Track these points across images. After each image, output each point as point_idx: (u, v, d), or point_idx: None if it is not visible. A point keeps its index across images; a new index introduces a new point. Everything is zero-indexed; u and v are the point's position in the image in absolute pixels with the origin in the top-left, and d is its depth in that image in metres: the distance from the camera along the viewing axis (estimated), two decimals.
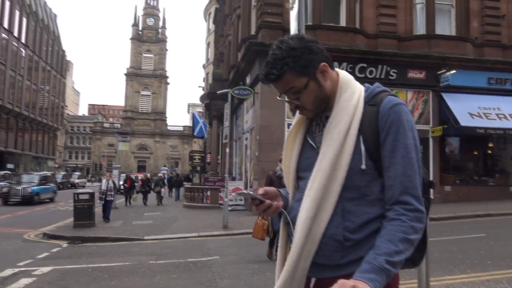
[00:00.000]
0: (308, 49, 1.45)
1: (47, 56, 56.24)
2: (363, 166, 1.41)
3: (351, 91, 1.51)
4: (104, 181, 14.73)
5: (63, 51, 65.66)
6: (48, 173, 28.97)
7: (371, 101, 1.48)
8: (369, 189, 1.42)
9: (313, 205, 1.41)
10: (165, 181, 30.99)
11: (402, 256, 1.28)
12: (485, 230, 9.91)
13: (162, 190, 23.62)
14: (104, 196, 14.13)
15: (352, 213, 1.41)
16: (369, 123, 1.44)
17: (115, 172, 21.42)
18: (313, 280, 1.47)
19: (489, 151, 18.30)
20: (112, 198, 14.75)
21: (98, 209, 13.88)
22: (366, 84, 1.58)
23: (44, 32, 55.03)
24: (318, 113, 1.55)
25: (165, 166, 67.61)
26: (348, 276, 1.25)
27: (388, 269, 1.23)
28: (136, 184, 22.68)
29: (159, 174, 29.36)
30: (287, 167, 1.64)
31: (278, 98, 1.61)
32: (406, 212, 1.33)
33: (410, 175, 1.37)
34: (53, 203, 24.32)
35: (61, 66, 63.78)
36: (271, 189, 1.60)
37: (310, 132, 1.59)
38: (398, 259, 1.27)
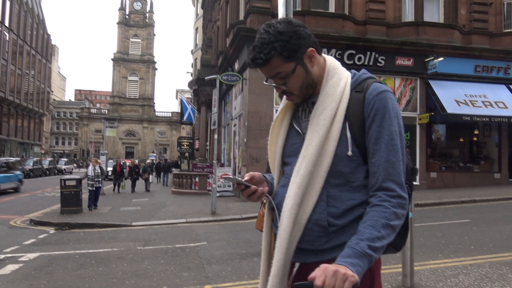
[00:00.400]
0: (296, 34, 1.43)
1: (31, 40, 55.13)
2: (349, 153, 1.42)
3: (337, 77, 1.50)
4: (90, 167, 14.08)
5: (48, 35, 64.37)
6: (12, 159, 25.01)
7: (357, 88, 1.48)
8: (354, 175, 1.43)
9: (299, 191, 1.42)
10: (153, 167, 30.95)
11: (384, 241, 1.30)
12: (469, 216, 10.09)
13: (150, 176, 23.13)
14: (92, 182, 13.63)
15: (336, 199, 1.42)
16: (355, 109, 1.44)
17: (103, 158, 21.32)
18: (296, 265, 1.48)
19: (475, 138, 18.54)
20: (100, 185, 14.18)
21: (85, 195, 13.77)
22: (353, 71, 1.58)
23: (29, 16, 53.85)
24: (305, 98, 1.54)
25: (153, 152, 67.40)
26: (331, 261, 1.26)
27: (370, 254, 1.24)
28: (125, 170, 22.21)
29: (147, 161, 28.91)
30: (273, 153, 1.64)
31: (265, 83, 1.60)
32: (389, 199, 1.34)
33: (394, 162, 1.37)
34: (17, 193, 21.19)
35: (46, 50, 62.60)
36: (257, 174, 1.60)
37: (296, 118, 1.59)
38: (380, 244, 1.28)
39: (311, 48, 1.47)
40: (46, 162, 42.78)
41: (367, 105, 1.43)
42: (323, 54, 1.56)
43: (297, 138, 1.54)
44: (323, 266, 1.18)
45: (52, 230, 10.63)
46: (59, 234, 10.14)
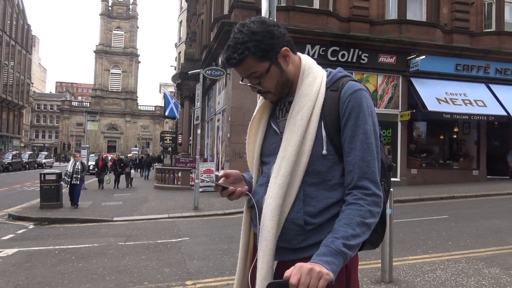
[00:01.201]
0: (269, 33, 1.43)
1: (11, 30, 53.94)
2: (324, 152, 1.43)
3: (313, 76, 1.51)
4: (71, 161, 13.17)
5: (29, 26, 63.07)
6: None
7: (332, 86, 1.49)
8: (330, 174, 1.45)
9: (281, 192, 1.42)
10: (136, 162, 30.70)
11: (359, 239, 1.31)
12: (447, 212, 10.29)
13: (132, 171, 22.52)
14: (69, 179, 12.68)
15: (313, 198, 1.43)
16: (330, 108, 1.46)
17: (84, 152, 20.97)
18: (275, 263, 1.49)
19: (455, 136, 18.90)
20: (77, 182, 12.87)
21: (65, 190, 13.56)
22: (328, 69, 1.59)
23: (8, 5, 52.63)
24: (281, 97, 1.55)
25: (136, 147, 66.88)
26: (309, 259, 1.27)
27: (345, 252, 1.26)
28: (107, 164, 21.73)
29: (129, 155, 28.42)
30: (251, 152, 1.64)
31: (241, 82, 1.60)
32: (364, 197, 1.36)
33: (369, 161, 1.39)
34: None
35: (26, 41, 61.35)
36: (234, 172, 1.61)
37: (273, 117, 1.60)
38: (355, 242, 1.30)
39: (285, 48, 1.47)
40: (25, 156, 42.04)
41: (342, 103, 1.44)
42: (298, 53, 1.57)
43: (275, 137, 1.55)
44: (298, 264, 1.19)
45: (31, 225, 10.47)
46: (39, 229, 9.99)
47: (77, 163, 12.92)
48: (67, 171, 12.80)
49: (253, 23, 1.44)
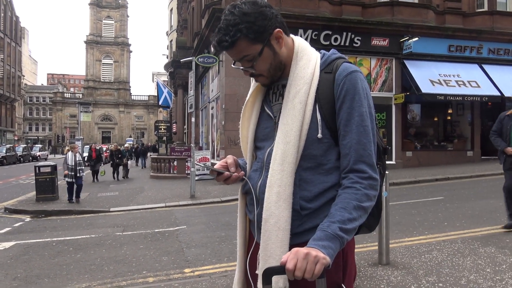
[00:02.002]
0: (261, 14, 1.39)
1: None
2: (319, 135, 1.40)
3: (307, 59, 1.48)
4: (69, 154, 12.13)
5: (17, 17, 62.17)
6: None
7: (326, 69, 1.46)
8: (325, 158, 1.43)
9: (292, 179, 1.40)
10: (132, 152, 30.65)
11: (356, 223, 1.30)
12: (443, 193, 10.36)
13: (129, 162, 21.78)
14: (73, 173, 11.88)
15: (309, 183, 1.42)
16: (325, 91, 1.43)
17: (78, 143, 20.76)
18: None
19: (449, 117, 18.94)
20: (83, 174, 12.35)
21: (61, 182, 13.49)
22: (322, 51, 1.55)
23: None
24: (274, 80, 1.52)
25: (130, 137, 66.65)
26: (305, 244, 1.26)
27: (342, 236, 1.25)
28: (102, 155, 21.30)
29: (126, 145, 28.01)
30: (245, 137, 1.62)
31: (233, 66, 1.56)
32: (360, 180, 1.35)
33: (365, 143, 1.37)
34: None
35: (15, 33, 60.52)
36: (231, 158, 1.59)
37: (267, 101, 1.57)
38: (352, 226, 1.29)
39: (278, 29, 1.43)
40: (19, 149, 41.83)
41: (337, 86, 1.41)
42: (291, 35, 1.53)
43: (268, 122, 1.53)
44: (294, 249, 1.18)
45: (27, 218, 10.45)
46: (35, 222, 9.98)
47: (77, 155, 12.23)
48: (68, 164, 11.92)
49: (244, 4, 1.40)
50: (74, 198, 12.12)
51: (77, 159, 12.11)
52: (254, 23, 1.38)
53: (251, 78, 1.56)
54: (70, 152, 12.21)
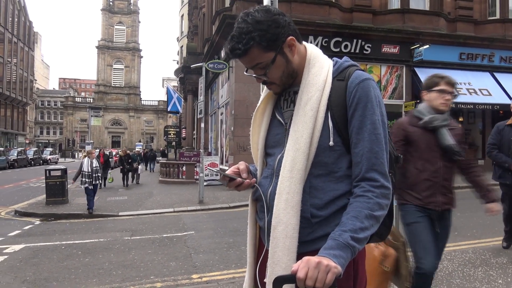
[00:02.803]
0: (274, 22, 1.39)
1: (13, 27, 53.97)
2: (331, 143, 1.39)
3: (319, 66, 1.48)
4: (86, 160, 11.32)
5: (30, 22, 63.07)
6: None
7: (339, 76, 1.46)
8: (336, 166, 1.42)
9: (301, 187, 1.39)
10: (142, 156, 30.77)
11: (368, 232, 1.29)
12: None
13: (140, 167, 20.91)
14: (90, 180, 11.07)
15: (319, 190, 1.41)
16: (337, 98, 1.42)
17: (88, 148, 20.90)
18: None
19: (459, 125, 18.74)
20: (100, 181, 11.70)
21: (70, 185, 13.55)
22: (335, 58, 1.55)
23: (9, 2, 52.62)
24: (286, 87, 1.52)
25: (140, 142, 66.94)
26: (315, 252, 1.25)
27: (353, 245, 1.24)
28: (111, 160, 20.79)
29: (137, 149, 27.43)
30: (255, 143, 1.62)
31: (245, 73, 1.55)
32: (372, 189, 1.33)
33: (377, 152, 1.36)
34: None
35: (28, 37, 61.39)
36: (243, 164, 1.59)
37: (278, 107, 1.56)
38: (363, 235, 1.27)
39: (291, 37, 1.43)
40: (30, 152, 42.20)
41: (349, 93, 1.40)
42: (304, 42, 1.53)
43: (279, 128, 1.52)
44: (305, 258, 1.17)
45: (37, 221, 10.52)
46: (45, 225, 10.04)
47: (94, 161, 11.40)
48: (83, 171, 11.12)
49: (257, 12, 1.40)
50: (92, 207, 11.15)
51: (94, 165, 11.33)
52: (267, 31, 1.38)
53: (261, 86, 1.56)
54: (86, 158, 11.51)
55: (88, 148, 20.46)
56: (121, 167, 19.36)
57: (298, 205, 1.38)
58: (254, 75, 1.49)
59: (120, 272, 5.68)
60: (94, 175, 11.21)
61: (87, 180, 11.03)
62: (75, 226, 9.75)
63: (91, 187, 11.08)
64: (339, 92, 1.42)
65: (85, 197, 11.20)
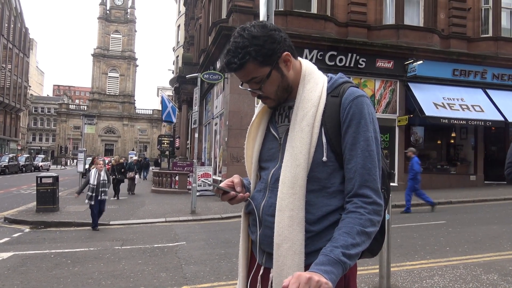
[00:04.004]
0: (270, 38, 1.41)
1: (8, 33, 53.86)
2: (324, 158, 1.40)
3: (314, 82, 1.49)
4: (93, 172, 9.94)
5: (26, 29, 63.06)
6: None
7: (333, 92, 1.47)
8: (329, 181, 1.42)
9: (304, 202, 1.39)
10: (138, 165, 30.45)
11: (359, 248, 1.29)
12: (445, 217, 10.28)
13: (136, 177, 19.82)
14: (94, 194, 9.62)
15: (312, 205, 1.41)
16: (331, 114, 1.43)
17: (81, 156, 20.45)
18: (272, 271, 1.46)
19: (452, 141, 18.92)
20: (106, 197, 10.07)
21: (62, 193, 13.43)
22: (329, 74, 1.57)
23: (6, 8, 52.59)
24: (280, 102, 1.53)
25: (133, 150, 66.64)
26: (307, 267, 1.25)
27: (344, 262, 1.24)
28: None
29: (134, 158, 26.19)
30: (249, 157, 1.62)
31: (241, 87, 1.56)
32: (364, 205, 1.34)
33: (370, 168, 1.37)
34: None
35: (24, 44, 61.29)
36: (237, 178, 1.59)
37: (272, 122, 1.57)
38: (355, 251, 1.27)
39: (286, 52, 1.45)
40: (22, 159, 41.93)
41: (343, 110, 1.42)
42: (299, 58, 1.55)
43: (273, 142, 1.53)
44: (296, 273, 1.17)
45: (27, 229, 10.40)
46: (34, 233, 9.93)
47: (102, 173, 9.95)
48: (89, 184, 9.80)
49: (253, 27, 1.41)
50: (97, 224, 10.00)
51: (101, 178, 9.86)
52: (263, 46, 1.39)
53: (255, 97, 1.57)
54: (94, 169, 10.12)
55: (80, 156, 20.10)
56: (113, 177, 17.39)
57: (303, 221, 1.39)
58: (249, 89, 1.50)
59: (110, 282, 5.61)
60: (100, 189, 9.75)
61: (89, 193, 9.63)
62: (65, 234, 9.65)
63: (92, 202, 9.64)
64: (333, 108, 1.44)
65: (76, 205, 10.92)
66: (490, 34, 18.59)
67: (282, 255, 1.38)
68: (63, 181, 12.32)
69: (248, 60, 1.39)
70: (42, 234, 9.71)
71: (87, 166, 20.33)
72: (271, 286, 1.44)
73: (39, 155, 55.61)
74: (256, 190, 1.57)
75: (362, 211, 1.33)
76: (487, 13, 18.77)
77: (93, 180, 9.75)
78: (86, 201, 9.72)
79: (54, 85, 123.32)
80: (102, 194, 9.82)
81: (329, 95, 1.47)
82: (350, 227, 1.30)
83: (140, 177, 30.14)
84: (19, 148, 66.37)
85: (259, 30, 1.41)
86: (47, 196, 12.45)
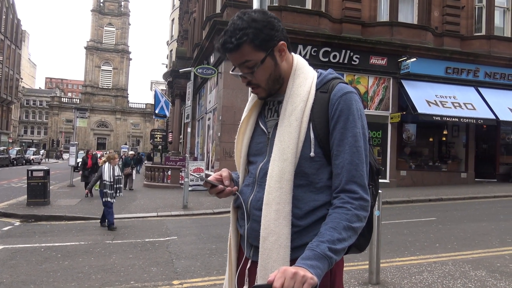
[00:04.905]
0: (270, 24, 1.41)
1: (0, 25, 53.25)
2: (312, 154, 1.41)
3: (304, 77, 1.49)
4: (106, 167, 9.12)
5: (18, 20, 62.37)
6: None
7: (322, 88, 1.47)
8: (317, 177, 1.42)
9: (291, 197, 1.40)
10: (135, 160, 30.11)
11: (345, 243, 1.30)
12: (435, 214, 10.36)
13: (134, 172, 19.17)
14: (112, 191, 9.01)
15: (299, 200, 1.41)
16: (319, 110, 1.43)
17: (73, 149, 20.11)
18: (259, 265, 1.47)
19: (444, 138, 19.03)
20: (121, 193, 9.61)
21: (53, 187, 13.33)
22: (319, 70, 1.57)
23: None
24: (271, 93, 1.52)
25: (126, 144, 66.33)
26: (293, 262, 1.25)
27: (330, 256, 1.24)
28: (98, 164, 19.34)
29: (130, 152, 25.60)
30: (239, 151, 1.62)
31: (231, 72, 1.55)
32: (351, 200, 1.34)
33: (357, 164, 1.37)
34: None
35: (16, 35, 60.63)
36: (226, 172, 1.59)
37: (262, 116, 1.57)
38: (341, 246, 1.28)
39: (282, 42, 1.45)
40: (13, 152, 41.56)
41: (332, 106, 1.42)
42: (291, 53, 1.54)
43: (262, 137, 1.53)
44: (282, 268, 1.17)
45: (17, 222, 10.33)
46: (25, 226, 9.87)
47: (116, 168, 9.29)
48: (105, 181, 8.99)
49: (254, 12, 1.42)
50: (112, 222, 9.21)
51: (116, 173, 9.23)
52: (261, 30, 1.39)
53: (249, 92, 1.57)
54: (107, 164, 9.22)
55: (72, 149, 19.72)
56: None
57: (289, 215, 1.39)
58: (240, 74, 1.48)
59: (100, 276, 5.60)
60: (116, 186, 9.17)
61: (108, 191, 8.93)
62: (56, 228, 9.60)
63: (113, 200, 9.08)
64: (322, 104, 1.44)
65: (67, 199, 10.75)
66: (483, 32, 18.68)
67: (267, 248, 1.38)
68: (54, 175, 12.24)
69: (245, 41, 1.39)
70: (32, 228, 9.65)
71: (79, 160, 20.08)
72: (254, 281, 1.44)
73: (30, 148, 55.20)
74: (244, 184, 1.57)
75: (349, 206, 1.33)
76: (480, 11, 18.85)
77: (108, 176, 8.99)
78: (104, 199, 9.01)
79: (46, 78, 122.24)
80: (118, 191, 9.34)
81: (318, 91, 1.47)
82: (337, 222, 1.31)
83: (137, 172, 29.94)
84: (10, 141, 65.78)
85: (259, 15, 1.41)
86: (38, 190, 12.37)
